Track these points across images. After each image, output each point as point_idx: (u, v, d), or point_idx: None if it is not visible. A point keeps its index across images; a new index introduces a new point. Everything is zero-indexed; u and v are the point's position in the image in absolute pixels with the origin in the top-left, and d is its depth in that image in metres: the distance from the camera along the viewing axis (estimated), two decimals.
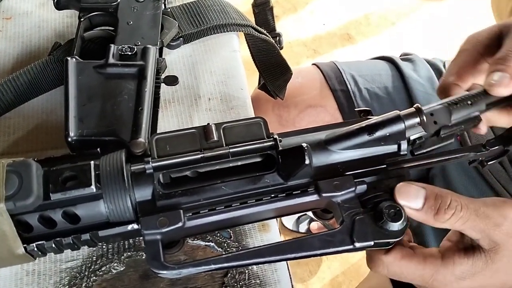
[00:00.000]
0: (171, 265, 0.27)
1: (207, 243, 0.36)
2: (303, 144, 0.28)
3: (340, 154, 0.30)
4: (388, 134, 0.30)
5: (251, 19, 0.49)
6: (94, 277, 0.35)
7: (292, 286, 0.36)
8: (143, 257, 0.35)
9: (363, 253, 0.30)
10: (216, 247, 0.36)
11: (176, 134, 0.30)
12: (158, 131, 0.38)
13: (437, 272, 0.28)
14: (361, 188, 0.29)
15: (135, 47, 0.37)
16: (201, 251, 0.36)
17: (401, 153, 0.31)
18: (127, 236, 0.29)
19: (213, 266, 0.27)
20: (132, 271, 0.35)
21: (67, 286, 0.34)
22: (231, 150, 0.29)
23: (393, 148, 0.31)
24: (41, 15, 0.48)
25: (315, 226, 1.10)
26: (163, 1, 0.42)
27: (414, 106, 0.30)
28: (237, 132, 0.30)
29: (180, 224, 0.27)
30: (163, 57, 0.40)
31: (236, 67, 0.47)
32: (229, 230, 0.37)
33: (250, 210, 0.29)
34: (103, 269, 0.35)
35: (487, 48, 0.35)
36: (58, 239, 0.28)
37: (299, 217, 1.13)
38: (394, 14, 1.58)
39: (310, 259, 1.05)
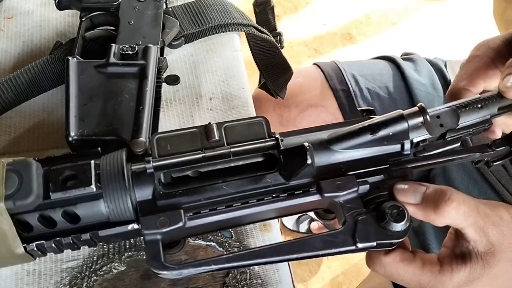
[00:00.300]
0: (171, 265, 0.26)
1: (208, 243, 0.36)
2: (305, 144, 0.28)
3: (342, 154, 0.30)
4: (391, 133, 0.30)
5: (252, 18, 0.49)
6: (95, 277, 0.34)
7: (294, 286, 0.36)
8: (144, 257, 0.35)
9: (363, 253, 0.30)
10: (217, 247, 0.36)
11: (177, 133, 0.30)
12: (159, 131, 0.38)
13: (435, 279, 0.28)
14: (364, 188, 0.29)
15: (136, 46, 0.37)
16: (202, 251, 0.36)
17: (404, 153, 0.31)
18: (128, 236, 0.29)
19: (213, 267, 0.27)
20: (133, 271, 0.35)
21: (68, 286, 0.34)
22: (232, 150, 0.29)
23: (396, 148, 0.31)
24: (42, 15, 0.48)
25: (316, 226, 1.10)
26: (164, 0, 0.42)
27: (418, 105, 0.30)
28: (239, 131, 0.30)
29: (180, 224, 0.27)
30: (164, 56, 0.40)
31: (238, 67, 0.47)
32: (230, 230, 0.37)
33: (251, 210, 0.29)
34: (104, 269, 0.35)
35: (499, 54, 0.35)
36: (58, 238, 0.28)
37: (299, 217, 1.13)
38: (395, 13, 1.57)
39: (310, 259, 1.04)
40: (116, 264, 0.35)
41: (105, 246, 0.36)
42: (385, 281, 0.57)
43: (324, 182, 0.29)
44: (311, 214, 1.11)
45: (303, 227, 1.12)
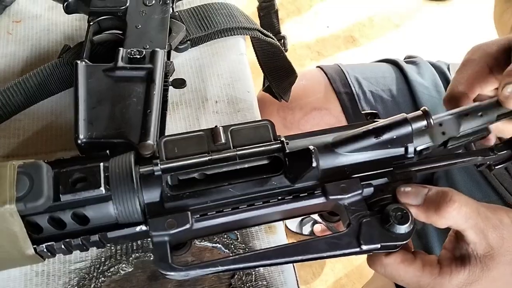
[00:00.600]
0: (178, 266, 0.27)
1: (214, 245, 0.37)
2: (310, 147, 0.29)
3: (347, 157, 0.30)
4: (395, 137, 0.30)
5: (256, 21, 0.49)
6: (102, 278, 0.35)
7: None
8: (151, 258, 0.36)
9: (366, 255, 0.30)
10: (223, 248, 0.37)
11: (184, 136, 0.30)
12: (166, 134, 0.38)
13: (434, 281, 0.28)
14: (368, 191, 0.30)
15: (143, 50, 0.38)
16: (208, 253, 0.36)
17: (408, 156, 0.31)
18: (136, 237, 0.30)
19: (220, 268, 0.27)
20: (141, 272, 0.35)
21: (76, 287, 0.35)
22: (238, 153, 0.29)
23: (400, 151, 0.31)
24: (50, 18, 0.49)
25: (319, 228, 1.10)
26: (171, 5, 0.42)
27: (421, 109, 0.30)
28: (245, 134, 0.30)
29: (188, 226, 0.28)
30: (171, 60, 0.41)
31: (243, 70, 0.47)
32: (236, 232, 0.37)
33: (257, 212, 0.29)
34: (111, 270, 0.35)
35: (496, 60, 0.35)
36: (67, 240, 0.28)
37: (302, 219, 1.13)
38: (397, 16, 1.58)
39: (314, 261, 1.05)
40: (123, 265, 0.35)
41: (112, 248, 0.36)
42: (387, 283, 0.58)
43: (329, 185, 0.29)
44: (314, 216, 1.11)
45: (306, 230, 1.13)
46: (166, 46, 0.40)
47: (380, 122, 0.31)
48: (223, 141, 0.30)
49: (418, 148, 0.31)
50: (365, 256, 0.30)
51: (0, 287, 0.35)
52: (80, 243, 0.28)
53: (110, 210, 0.28)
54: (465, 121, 0.32)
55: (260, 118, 0.45)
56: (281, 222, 0.39)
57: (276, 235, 0.38)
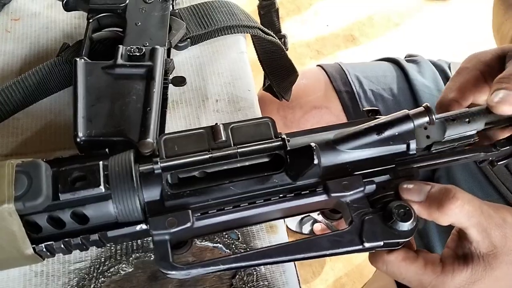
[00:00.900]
0: (180, 265, 0.27)
1: (215, 245, 0.36)
2: (311, 144, 0.28)
3: (348, 154, 0.30)
4: (397, 133, 0.30)
5: (257, 20, 0.49)
6: (102, 278, 0.35)
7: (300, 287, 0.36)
8: (152, 258, 0.35)
9: (367, 254, 0.30)
10: (224, 248, 0.36)
11: (184, 134, 0.30)
12: (165, 132, 0.38)
13: (437, 279, 0.28)
14: (370, 188, 0.29)
15: (143, 48, 0.37)
16: (209, 253, 0.36)
17: (410, 152, 0.31)
18: (136, 236, 0.29)
19: (221, 267, 0.27)
20: (141, 272, 0.35)
21: (76, 287, 0.34)
22: (239, 150, 0.29)
23: (402, 147, 0.31)
24: (49, 16, 0.49)
25: (319, 227, 1.10)
26: (171, 2, 0.42)
27: (424, 105, 0.30)
28: (245, 132, 0.30)
29: (188, 225, 0.27)
30: (171, 58, 0.40)
31: (244, 69, 0.47)
32: (237, 231, 0.37)
33: (258, 210, 0.29)
34: (111, 270, 0.35)
35: (489, 68, 0.35)
36: (67, 239, 0.28)
37: (302, 219, 1.13)
38: (397, 15, 1.57)
39: (314, 260, 1.04)
40: (123, 265, 0.35)
41: (112, 248, 0.36)
42: (389, 283, 0.57)
43: (330, 182, 0.29)
44: (314, 215, 1.11)
45: (306, 229, 1.12)
46: (166, 43, 0.39)
47: (382, 118, 0.31)
48: (223, 138, 0.30)
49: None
50: (365, 255, 0.30)
51: None
52: (80, 242, 0.28)
53: (110, 209, 0.28)
54: (451, 127, 0.32)
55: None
56: (282, 221, 0.38)
57: (277, 235, 0.37)
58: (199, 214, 0.28)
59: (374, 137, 0.30)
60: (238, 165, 0.29)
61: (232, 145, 0.29)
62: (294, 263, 0.36)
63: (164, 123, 0.37)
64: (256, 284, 0.35)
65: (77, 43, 0.42)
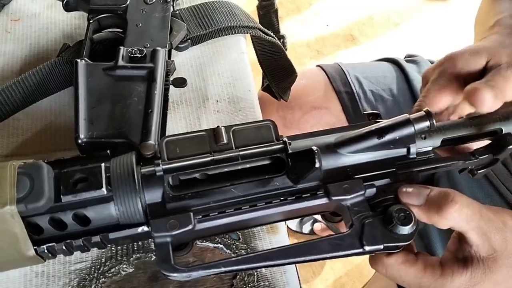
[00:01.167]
0: (181, 267, 0.27)
1: (215, 245, 0.36)
2: (313, 148, 0.28)
3: (349, 157, 0.30)
4: (397, 137, 0.30)
5: (256, 20, 0.49)
6: (103, 279, 0.35)
7: None
8: (152, 259, 0.35)
9: (367, 255, 0.30)
10: (224, 249, 0.36)
11: (186, 136, 0.30)
12: (166, 133, 0.38)
13: (436, 282, 0.28)
14: (371, 191, 0.30)
15: (144, 49, 0.37)
16: (209, 253, 0.36)
17: (410, 156, 0.31)
18: (137, 238, 0.29)
19: (223, 269, 0.27)
20: (141, 273, 0.35)
21: None
22: (240, 153, 0.29)
23: (402, 151, 0.31)
24: (49, 17, 0.48)
25: (319, 227, 1.10)
26: (171, 3, 0.42)
27: (424, 110, 0.30)
28: (247, 134, 0.30)
29: (190, 227, 0.27)
30: (172, 59, 0.40)
31: (244, 69, 0.47)
32: (237, 232, 0.37)
33: (259, 213, 0.29)
34: (112, 270, 0.35)
35: (466, 73, 0.35)
36: (68, 241, 0.28)
37: (302, 218, 1.13)
38: (397, 15, 1.57)
39: None
40: (124, 266, 0.35)
41: (113, 248, 0.36)
42: (389, 284, 0.58)
43: (331, 186, 0.29)
44: (315, 215, 1.11)
45: (306, 228, 1.13)
46: (167, 45, 0.39)
47: (383, 122, 0.31)
48: (225, 141, 0.30)
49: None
50: (365, 255, 0.30)
51: None
52: (81, 244, 0.28)
53: (111, 211, 0.28)
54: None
55: (261, 117, 0.45)
56: (283, 222, 0.39)
57: (278, 235, 0.38)
58: (200, 216, 0.28)
59: (375, 141, 0.30)
60: (239, 167, 0.30)
61: (234, 148, 0.30)
62: (295, 264, 0.36)
63: (165, 124, 0.37)
64: (257, 284, 0.35)
65: (77, 44, 0.42)
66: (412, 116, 0.30)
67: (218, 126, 0.30)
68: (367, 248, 0.28)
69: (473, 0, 0.52)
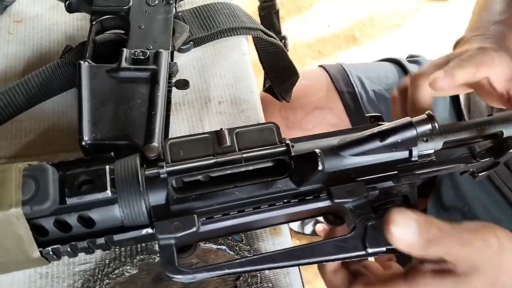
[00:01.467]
0: (185, 269, 0.27)
1: (219, 247, 0.37)
2: (316, 150, 0.29)
3: (352, 160, 0.30)
4: (400, 140, 0.30)
5: (258, 21, 0.49)
6: (107, 280, 0.35)
7: None
8: (156, 260, 0.36)
9: None
10: (228, 250, 0.37)
11: (189, 139, 0.30)
12: (169, 135, 0.38)
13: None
14: (373, 194, 0.30)
15: (147, 51, 0.37)
16: (213, 254, 0.36)
17: (412, 159, 0.31)
18: (141, 240, 0.30)
19: (227, 271, 0.27)
20: (145, 274, 0.35)
21: None
22: (244, 155, 0.29)
23: (404, 154, 0.31)
24: (51, 18, 0.49)
25: (320, 227, 1.10)
26: (174, 5, 0.42)
27: (426, 112, 0.30)
28: (250, 137, 0.30)
29: (194, 229, 0.28)
30: (174, 61, 0.41)
31: (246, 70, 0.47)
32: (241, 233, 0.37)
33: (263, 215, 0.29)
34: (116, 272, 0.35)
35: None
36: (73, 243, 0.28)
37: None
38: (398, 15, 1.57)
39: None
40: (128, 267, 0.35)
41: (117, 249, 0.36)
42: None
43: (334, 188, 0.29)
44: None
45: (308, 229, 1.13)
46: (170, 46, 0.39)
47: (385, 125, 0.31)
48: (228, 143, 0.30)
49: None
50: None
51: None
52: (86, 246, 0.28)
53: (116, 213, 0.28)
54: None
55: (263, 118, 0.45)
56: (286, 223, 0.39)
57: (281, 237, 0.38)
58: (204, 218, 0.28)
59: (377, 144, 0.30)
60: (243, 169, 0.30)
61: (237, 150, 0.30)
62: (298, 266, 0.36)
63: (168, 126, 0.38)
64: (260, 286, 0.35)
65: (80, 45, 0.42)
66: (414, 119, 0.30)
67: (221, 129, 0.30)
68: (369, 250, 0.28)
69: (473, 0, 0.52)
